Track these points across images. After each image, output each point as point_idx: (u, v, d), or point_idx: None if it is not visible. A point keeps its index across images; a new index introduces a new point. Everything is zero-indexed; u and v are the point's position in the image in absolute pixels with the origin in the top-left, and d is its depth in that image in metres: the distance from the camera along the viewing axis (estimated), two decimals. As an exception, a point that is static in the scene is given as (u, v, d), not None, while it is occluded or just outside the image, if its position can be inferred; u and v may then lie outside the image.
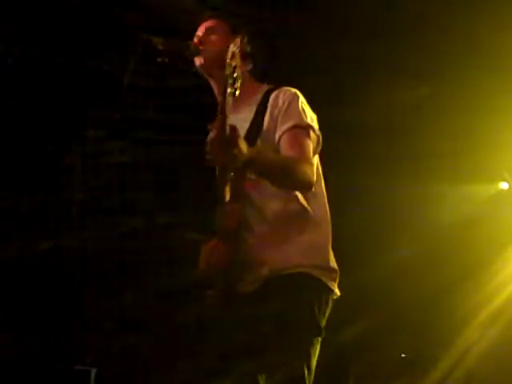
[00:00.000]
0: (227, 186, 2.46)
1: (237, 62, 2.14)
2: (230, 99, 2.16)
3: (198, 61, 2.68)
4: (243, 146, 2.22)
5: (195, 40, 2.71)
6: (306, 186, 2.47)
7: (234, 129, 2.20)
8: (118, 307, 5.98)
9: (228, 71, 2.12)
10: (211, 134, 2.20)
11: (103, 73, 5.18)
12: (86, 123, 5.79)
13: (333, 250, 2.61)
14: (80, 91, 5.42)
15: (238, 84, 2.15)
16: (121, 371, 5.91)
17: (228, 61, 2.11)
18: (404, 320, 6.55)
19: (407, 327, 6.54)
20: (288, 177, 2.44)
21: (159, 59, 2.62)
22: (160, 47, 2.59)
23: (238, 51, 2.16)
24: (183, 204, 5.92)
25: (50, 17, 4.76)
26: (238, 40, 2.24)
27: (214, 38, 2.70)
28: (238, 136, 2.21)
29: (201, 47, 2.67)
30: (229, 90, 2.14)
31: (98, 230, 5.95)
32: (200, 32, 2.74)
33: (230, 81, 2.13)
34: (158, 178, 6.03)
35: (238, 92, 2.17)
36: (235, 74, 2.12)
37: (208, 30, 2.72)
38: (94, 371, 5.59)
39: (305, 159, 2.46)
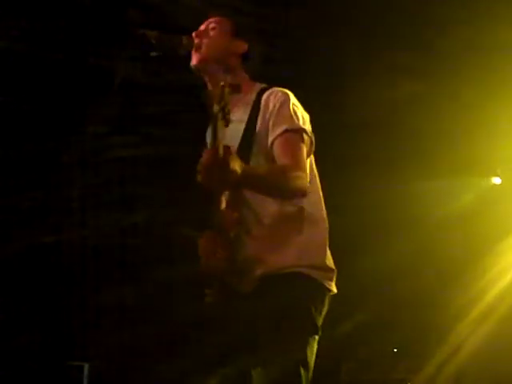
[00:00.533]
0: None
1: (226, 99, 2.14)
2: (222, 128, 2.18)
3: (195, 59, 2.66)
4: (236, 165, 2.22)
5: (194, 33, 2.69)
6: (299, 194, 2.47)
7: (227, 150, 2.20)
8: (117, 302, 6.00)
9: (216, 109, 2.14)
10: (204, 157, 2.20)
11: (102, 69, 5.20)
12: (86, 119, 5.82)
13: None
14: (79, 88, 5.44)
15: (229, 115, 2.16)
16: (119, 367, 5.93)
17: (216, 105, 2.13)
18: (397, 316, 6.55)
19: (400, 323, 6.54)
20: (280, 189, 2.45)
21: (153, 53, 2.62)
22: (153, 41, 2.59)
23: (227, 88, 2.15)
24: (184, 200, 5.93)
25: (49, 13, 4.78)
26: (226, 79, 2.25)
27: (213, 34, 2.68)
28: (232, 158, 2.21)
29: (196, 40, 2.66)
30: (219, 122, 2.16)
31: (98, 226, 5.96)
32: (202, 27, 2.72)
33: (220, 115, 2.15)
34: (157, 173, 6.05)
35: (230, 119, 2.18)
36: (226, 109, 2.14)
37: (209, 26, 2.71)
38: (86, 366, 5.59)
39: (298, 166, 2.46)
